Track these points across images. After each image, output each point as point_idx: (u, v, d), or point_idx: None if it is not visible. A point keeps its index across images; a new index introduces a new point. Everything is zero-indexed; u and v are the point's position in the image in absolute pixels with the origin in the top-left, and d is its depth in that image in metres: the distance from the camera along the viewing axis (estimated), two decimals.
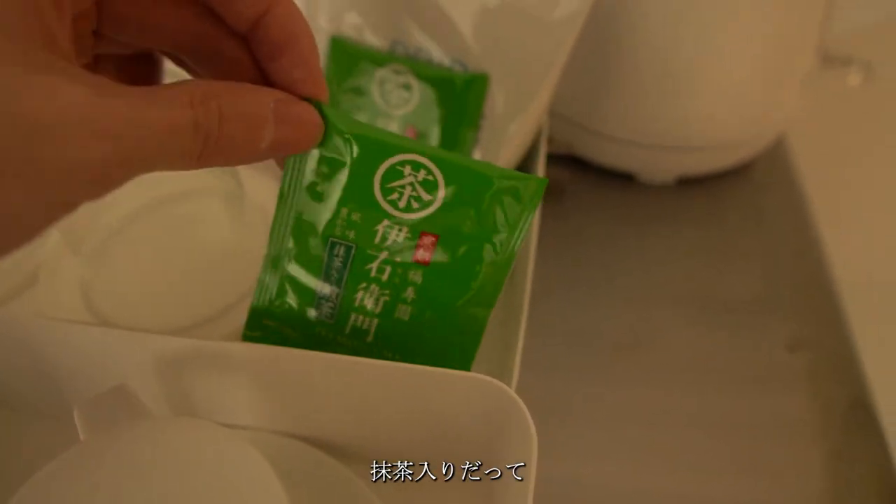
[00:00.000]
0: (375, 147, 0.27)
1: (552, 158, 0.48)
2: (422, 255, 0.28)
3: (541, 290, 0.42)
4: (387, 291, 0.29)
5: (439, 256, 0.28)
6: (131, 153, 0.19)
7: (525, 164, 0.42)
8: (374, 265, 0.28)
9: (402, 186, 0.27)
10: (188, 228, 0.41)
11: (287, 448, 0.32)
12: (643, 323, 0.42)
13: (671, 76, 0.43)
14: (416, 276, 0.29)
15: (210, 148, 0.21)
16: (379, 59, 0.41)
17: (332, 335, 0.29)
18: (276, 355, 0.28)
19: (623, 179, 0.49)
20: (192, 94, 0.21)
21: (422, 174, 0.27)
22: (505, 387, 0.27)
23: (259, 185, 0.41)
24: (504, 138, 0.38)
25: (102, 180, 0.19)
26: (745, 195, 0.51)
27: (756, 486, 0.35)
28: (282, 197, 0.28)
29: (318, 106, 0.26)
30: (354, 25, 0.40)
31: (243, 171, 0.40)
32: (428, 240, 0.28)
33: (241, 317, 0.31)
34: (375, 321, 0.29)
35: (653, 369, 0.40)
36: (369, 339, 0.29)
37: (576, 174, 0.49)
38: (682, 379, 0.39)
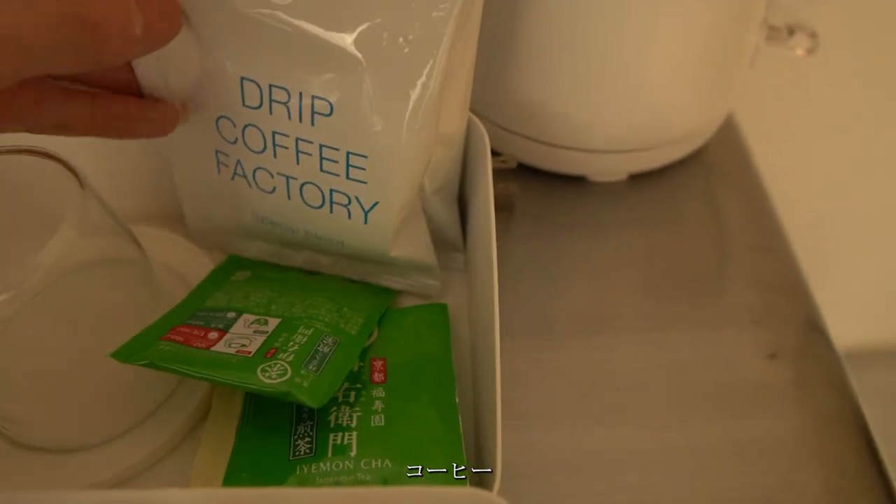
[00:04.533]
0: None
1: (500, 173, 0.45)
2: (378, 377, 0.34)
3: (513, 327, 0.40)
4: (357, 409, 0.32)
5: (392, 374, 0.34)
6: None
7: (470, 183, 0.39)
8: (340, 393, 0.32)
9: None
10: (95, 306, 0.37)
11: None
12: (605, 350, 0.40)
13: (616, 80, 0.41)
14: (379, 392, 0.33)
15: (89, 37, 0.24)
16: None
17: (315, 468, 0.30)
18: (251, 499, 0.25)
19: (574, 182, 0.47)
20: None
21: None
22: (495, 498, 0.25)
23: (162, 247, 0.39)
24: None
25: None
26: (699, 182, 0.49)
27: None
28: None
29: None
30: None
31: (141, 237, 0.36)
32: (378, 363, 0.35)
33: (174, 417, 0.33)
34: (355, 434, 0.31)
35: (622, 407, 0.38)
36: (353, 453, 0.30)
37: (526, 185, 0.46)
38: (658, 411, 0.38)
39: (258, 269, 0.40)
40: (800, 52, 0.47)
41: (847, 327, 1.30)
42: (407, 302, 0.40)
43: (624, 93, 0.41)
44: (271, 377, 0.30)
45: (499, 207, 0.45)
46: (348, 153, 0.35)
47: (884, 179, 0.97)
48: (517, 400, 0.38)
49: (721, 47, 0.42)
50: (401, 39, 0.32)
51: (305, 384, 0.30)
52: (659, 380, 0.39)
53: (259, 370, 0.30)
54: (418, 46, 0.32)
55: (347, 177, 0.35)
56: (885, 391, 1.26)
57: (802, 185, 0.87)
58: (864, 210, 1.02)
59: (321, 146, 0.35)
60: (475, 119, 0.38)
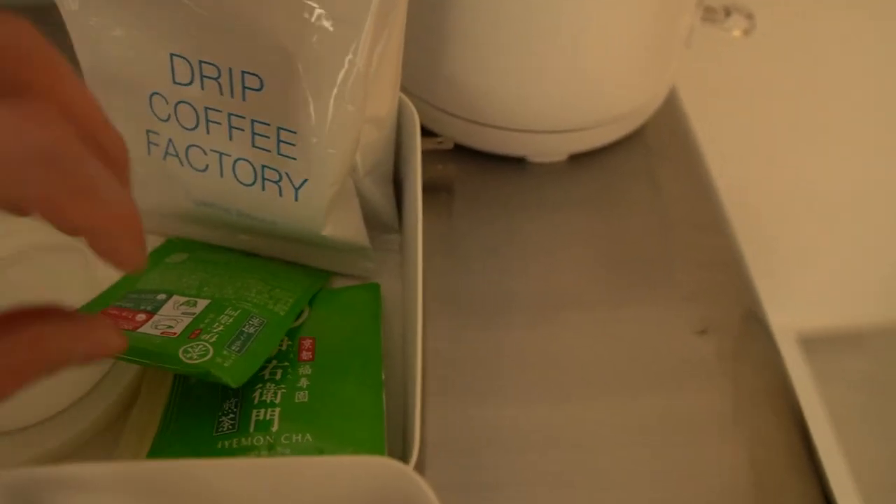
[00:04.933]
0: None
1: (437, 154, 0.45)
2: (305, 355, 0.34)
3: (435, 308, 0.41)
4: (282, 386, 0.32)
5: (320, 353, 0.34)
6: None
7: (402, 164, 0.40)
8: (266, 371, 0.33)
9: None
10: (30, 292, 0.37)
11: None
12: (543, 329, 0.40)
13: (553, 58, 0.41)
14: (306, 370, 0.33)
15: None
16: None
17: (236, 443, 0.30)
18: (153, 471, 0.26)
19: (515, 163, 0.47)
20: None
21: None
22: (405, 468, 0.25)
23: None
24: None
25: None
26: (640, 162, 0.49)
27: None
28: None
29: None
30: None
31: None
32: (307, 342, 0.35)
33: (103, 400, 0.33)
34: (278, 409, 0.31)
35: (560, 385, 0.38)
36: (274, 428, 0.30)
37: (466, 166, 0.47)
38: (593, 387, 0.38)
39: (195, 252, 0.40)
40: (737, 32, 0.47)
41: (803, 312, 1.32)
42: (343, 283, 0.40)
43: (559, 73, 0.41)
44: (192, 357, 0.30)
45: (438, 189, 0.46)
46: (279, 128, 0.35)
47: (836, 163, 0.98)
48: (455, 378, 0.38)
49: (655, 27, 0.42)
50: (326, 18, 0.32)
51: (226, 364, 0.30)
52: (593, 357, 0.39)
53: (181, 351, 0.30)
54: (343, 25, 0.32)
55: (278, 152, 0.35)
56: (841, 375, 1.28)
57: (750, 165, 0.88)
58: (817, 194, 1.03)
59: (253, 121, 0.35)
60: (406, 100, 0.38)
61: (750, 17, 0.47)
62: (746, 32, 0.47)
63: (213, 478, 0.26)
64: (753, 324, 0.42)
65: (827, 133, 0.94)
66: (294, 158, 0.35)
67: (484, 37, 0.40)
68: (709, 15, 0.46)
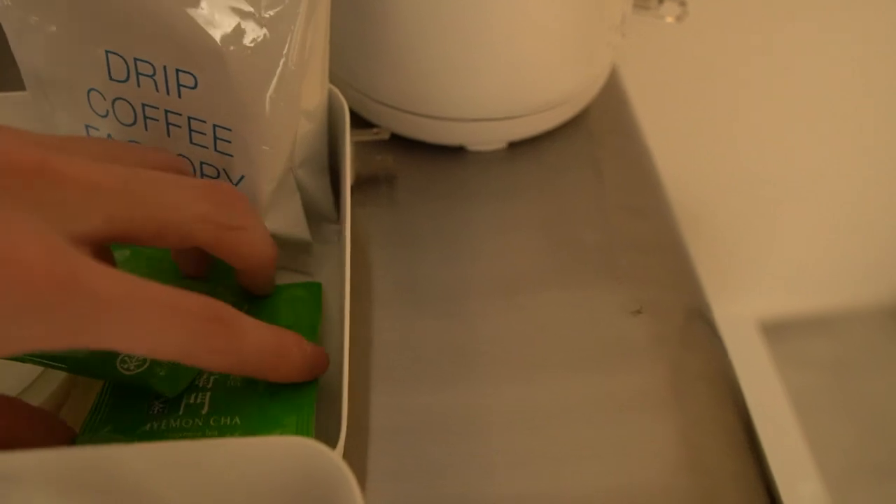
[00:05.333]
0: None
1: (375, 145, 0.46)
2: None
3: (384, 297, 0.41)
4: (215, 374, 0.33)
5: None
6: None
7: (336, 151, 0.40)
8: None
9: None
10: None
11: None
12: (480, 315, 0.41)
13: (484, 47, 0.41)
14: None
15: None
16: None
17: (165, 425, 0.30)
18: (70, 458, 0.26)
19: (454, 152, 0.48)
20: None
21: None
22: (325, 449, 0.26)
23: None
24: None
25: None
26: (581, 147, 0.50)
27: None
28: None
29: None
30: None
31: None
32: None
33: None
34: (209, 394, 0.32)
35: (504, 368, 0.39)
36: (204, 410, 0.31)
37: (406, 156, 0.47)
38: (535, 369, 0.39)
39: (138, 248, 0.40)
40: (670, 19, 0.48)
41: (767, 299, 1.34)
42: (283, 276, 0.40)
43: (491, 61, 0.42)
44: (129, 368, 0.30)
45: (379, 180, 0.46)
46: (214, 126, 0.36)
47: (790, 148, 0.99)
48: (390, 366, 0.39)
49: (586, 14, 0.43)
50: (258, 18, 0.33)
51: (163, 373, 0.30)
52: (527, 341, 0.40)
53: (118, 361, 0.31)
54: (275, 23, 0.33)
55: (215, 149, 0.36)
56: (806, 360, 1.30)
57: (702, 149, 0.89)
58: (774, 179, 1.04)
59: (189, 118, 0.35)
60: (335, 90, 0.39)
61: (682, 3, 0.48)
62: (679, 19, 0.48)
63: (132, 461, 0.26)
64: (692, 305, 0.43)
65: (782, 118, 0.95)
66: (230, 155, 0.36)
67: (414, 26, 0.40)
68: (641, 2, 0.47)
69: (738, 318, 1.20)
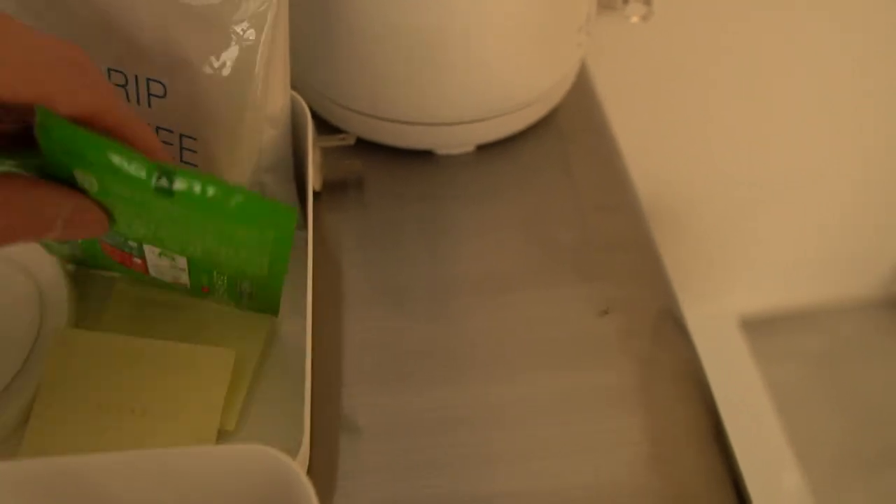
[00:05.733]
0: None
1: (343, 150, 0.46)
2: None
3: (356, 300, 0.41)
4: None
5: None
6: None
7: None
8: None
9: None
10: None
11: None
12: (451, 314, 0.41)
13: (447, 50, 0.41)
14: None
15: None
16: None
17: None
18: (34, 468, 0.26)
19: (422, 156, 0.48)
20: None
21: None
22: (283, 457, 0.26)
23: None
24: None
25: None
26: (551, 148, 0.50)
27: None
28: None
29: None
30: None
31: None
32: None
33: None
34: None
35: (475, 366, 0.39)
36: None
37: (373, 161, 0.47)
38: (506, 367, 0.39)
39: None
40: (635, 19, 0.48)
41: (748, 295, 1.34)
42: None
43: (455, 64, 0.42)
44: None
45: (347, 185, 0.46)
46: (181, 135, 0.36)
47: (768, 145, 1.00)
48: (362, 365, 0.39)
49: (549, 15, 0.43)
50: (227, 29, 0.34)
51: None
52: (498, 340, 0.40)
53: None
54: (245, 34, 0.34)
55: (181, 159, 0.36)
56: (788, 355, 1.30)
57: (679, 149, 0.89)
58: (754, 178, 1.05)
59: (157, 128, 0.36)
60: (297, 96, 0.39)
61: (647, 3, 0.48)
62: (645, 18, 0.48)
63: (98, 470, 0.26)
64: (661, 303, 0.43)
65: (759, 114, 0.95)
66: (195, 165, 0.36)
67: (377, 30, 0.41)
68: (607, 2, 0.47)
69: (720, 314, 1.21)
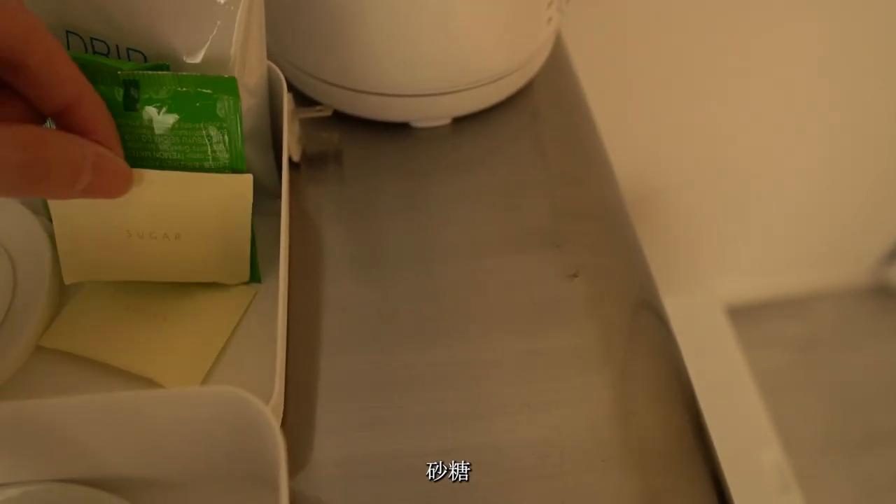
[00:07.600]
0: None
1: (320, 122, 0.47)
2: None
3: (334, 266, 0.42)
4: None
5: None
6: None
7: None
8: None
9: None
10: None
11: (55, 492, 0.30)
12: (428, 281, 0.42)
13: (421, 22, 0.42)
14: None
15: (33, 185, 0.26)
16: None
17: None
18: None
19: (399, 128, 0.49)
20: (26, 139, 0.25)
21: None
22: (253, 399, 0.27)
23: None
24: None
25: None
26: (527, 122, 0.51)
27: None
28: None
29: None
30: None
31: None
32: None
33: None
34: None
35: (448, 329, 0.40)
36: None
37: (351, 134, 0.48)
38: (475, 330, 0.40)
39: None
40: None
41: (737, 282, 1.34)
42: None
43: (429, 36, 0.43)
44: None
45: (326, 157, 0.47)
46: None
47: (756, 132, 1.00)
48: (334, 328, 0.40)
49: None
50: (206, 4, 0.35)
51: None
52: (467, 303, 0.41)
53: None
54: (222, 10, 0.35)
55: None
56: (771, 340, 1.31)
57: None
58: (743, 166, 1.05)
59: None
60: (274, 66, 0.40)
61: None
62: None
63: (68, 414, 0.27)
64: (632, 269, 0.44)
65: (745, 103, 0.96)
66: None
67: (351, 4, 0.41)
68: None
69: (706, 301, 1.22)
